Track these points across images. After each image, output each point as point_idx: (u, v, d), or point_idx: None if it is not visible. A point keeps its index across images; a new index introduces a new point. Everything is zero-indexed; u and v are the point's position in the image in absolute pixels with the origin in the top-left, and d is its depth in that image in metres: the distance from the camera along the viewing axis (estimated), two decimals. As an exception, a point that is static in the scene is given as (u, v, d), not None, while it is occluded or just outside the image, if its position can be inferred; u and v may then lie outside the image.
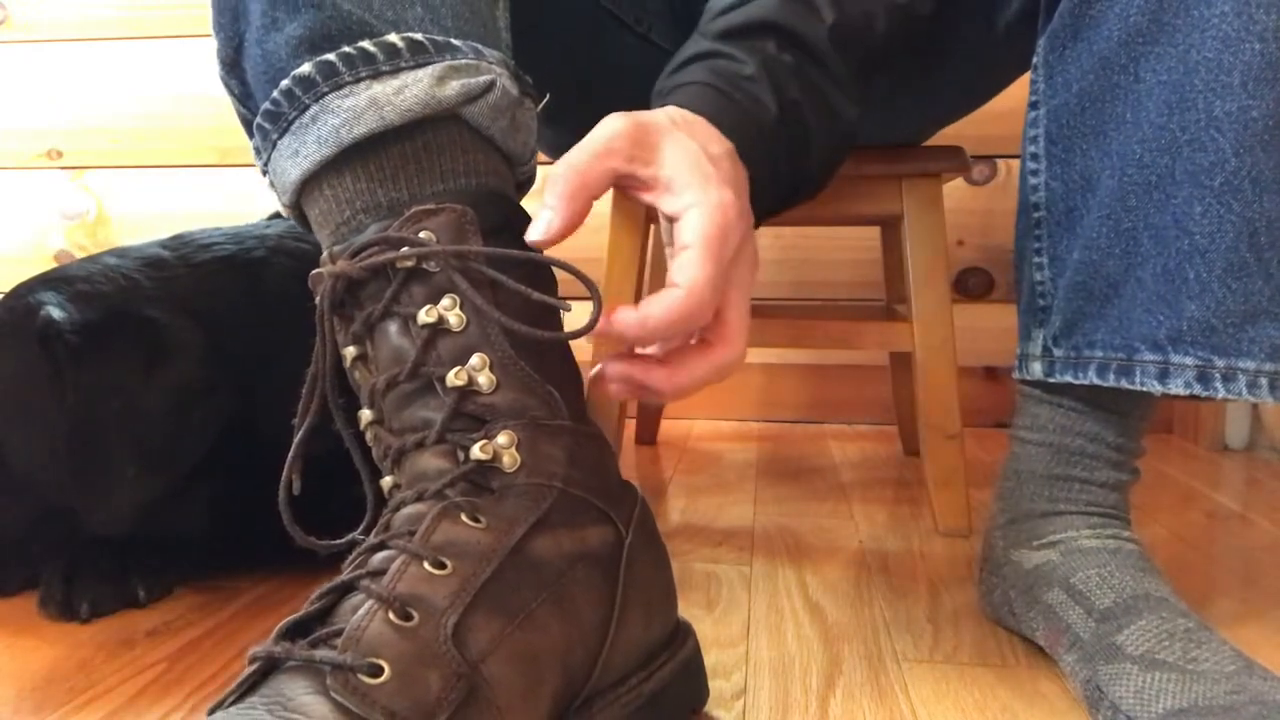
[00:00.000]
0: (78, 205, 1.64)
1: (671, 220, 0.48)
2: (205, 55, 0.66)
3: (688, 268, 0.45)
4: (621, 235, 0.97)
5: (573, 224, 0.46)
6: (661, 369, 0.47)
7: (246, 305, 0.76)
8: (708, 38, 0.58)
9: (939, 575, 0.80)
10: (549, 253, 0.49)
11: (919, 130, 0.95)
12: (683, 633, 0.54)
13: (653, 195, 0.48)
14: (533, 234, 0.46)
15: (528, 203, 0.51)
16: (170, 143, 1.61)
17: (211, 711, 0.39)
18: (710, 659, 0.59)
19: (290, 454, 0.47)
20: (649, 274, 1.20)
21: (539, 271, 0.48)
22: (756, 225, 0.58)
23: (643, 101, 0.55)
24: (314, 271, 0.48)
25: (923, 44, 0.71)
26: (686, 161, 0.47)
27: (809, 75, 0.57)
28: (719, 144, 0.51)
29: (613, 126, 0.47)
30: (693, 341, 0.49)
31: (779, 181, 0.57)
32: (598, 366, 0.48)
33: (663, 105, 0.54)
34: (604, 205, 1.03)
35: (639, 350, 0.49)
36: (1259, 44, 0.50)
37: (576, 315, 0.44)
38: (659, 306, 0.44)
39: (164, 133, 1.61)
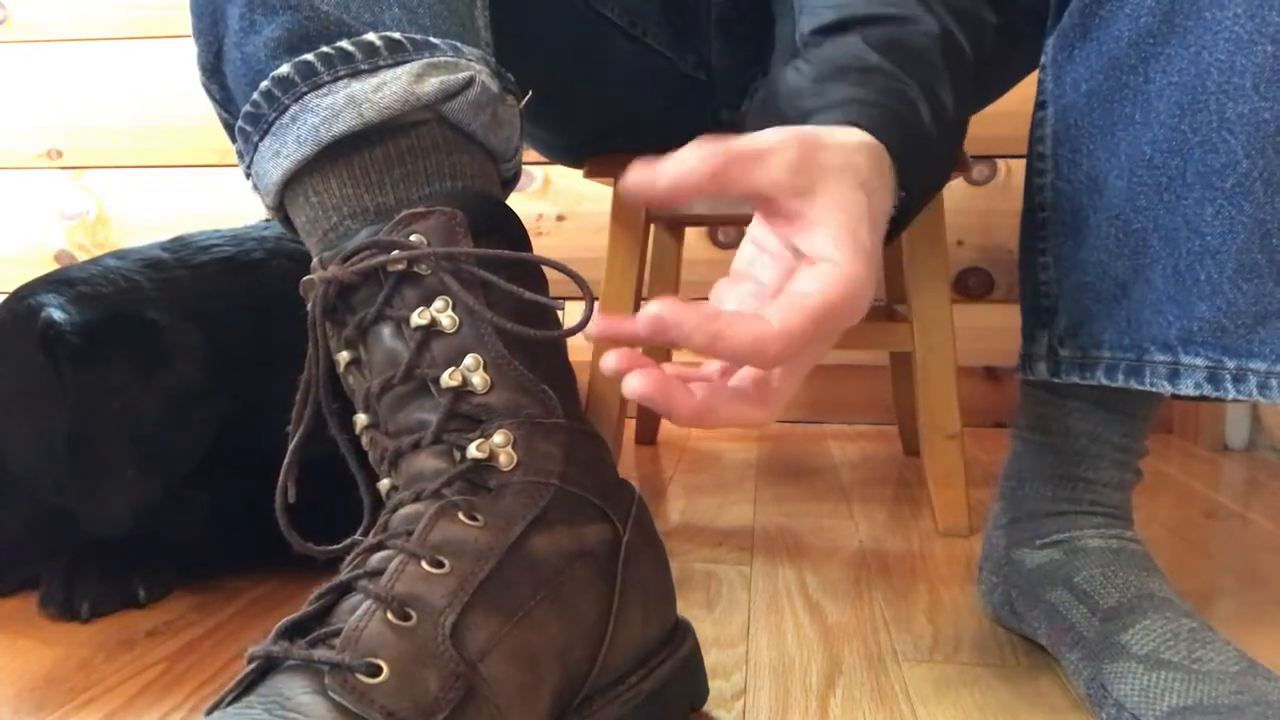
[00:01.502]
0: (78, 205, 1.64)
1: (801, 259, 0.42)
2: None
3: (794, 314, 0.39)
4: (621, 236, 0.97)
5: (679, 195, 0.39)
6: (689, 400, 0.40)
7: (246, 307, 0.76)
8: (871, 46, 0.53)
9: (939, 575, 0.80)
10: (541, 254, 0.49)
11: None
12: (681, 631, 0.54)
13: (787, 228, 0.43)
14: (634, 176, 0.40)
15: (526, 202, 0.50)
16: (170, 143, 1.61)
17: (210, 711, 0.39)
18: (710, 659, 0.59)
19: (285, 461, 0.47)
20: (649, 275, 1.20)
21: (530, 272, 0.48)
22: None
23: (638, 102, 0.54)
24: (305, 278, 0.48)
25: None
26: (846, 218, 0.42)
27: (958, 113, 0.54)
28: (887, 202, 0.46)
29: (780, 138, 0.41)
30: (728, 380, 0.44)
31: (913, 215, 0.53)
32: (609, 361, 0.41)
33: (830, 114, 0.48)
34: (604, 205, 1.03)
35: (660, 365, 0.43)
36: (1271, 46, 0.49)
37: (569, 315, 0.44)
38: (743, 331, 0.39)
39: (164, 133, 1.61)
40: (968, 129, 0.61)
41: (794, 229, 0.42)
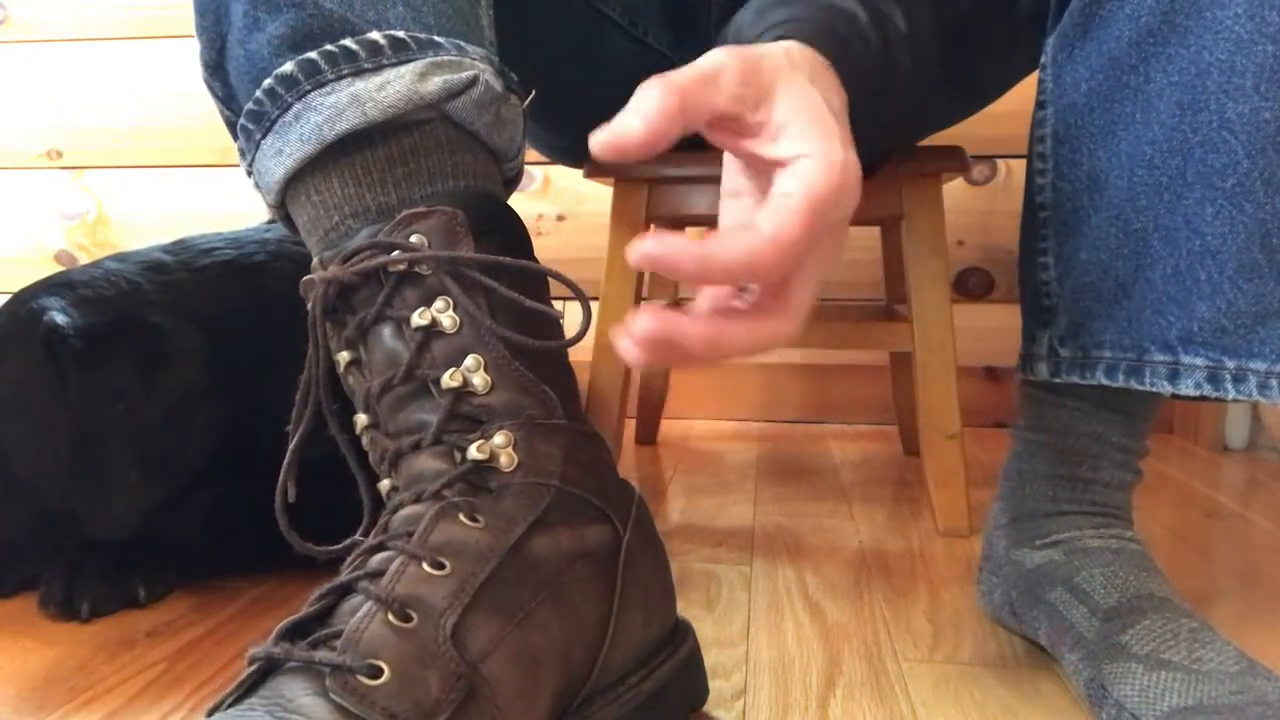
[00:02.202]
0: (78, 205, 1.64)
1: (775, 165, 0.41)
2: (205, 55, 0.66)
3: (781, 215, 0.38)
4: (621, 235, 0.97)
5: (653, 143, 0.38)
6: (701, 327, 0.38)
7: (247, 309, 0.76)
8: None
9: (939, 575, 0.80)
10: (543, 260, 0.49)
11: (922, 130, 0.95)
12: (682, 632, 0.54)
13: (756, 141, 0.41)
14: (604, 136, 0.38)
15: (526, 202, 0.50)
16: (170, 143, 1.61)
17: (211, 712, 0.39)
18: (710, 659, 0.59)
19: (285, 461, 0.47)
20: (649, 275, 1.20)
21: (531, 275, 0.48)
22: None
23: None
24: (305, 278, 0.48)
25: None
26: (806, 109, 0.41)
27: (912, 39, 0.53)
28: (839, 96, 0.45)
29: (719, 59, 0.41)
30: (738, 304, 0.42)
31: (864, 143, 0.54)
32: (625, 332, 0.39)
33: (765, 37, 0.48)
34: (604, 205, 1.03)
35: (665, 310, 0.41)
36: (1271, 46, 0.49)
37: (568, 315, 0.44)
38: (731, 246, 0.37)
39: (164, 133, 1.61)
40: (944, 60, 0.59)
41: (761, 141, 0.41)
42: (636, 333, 0.38)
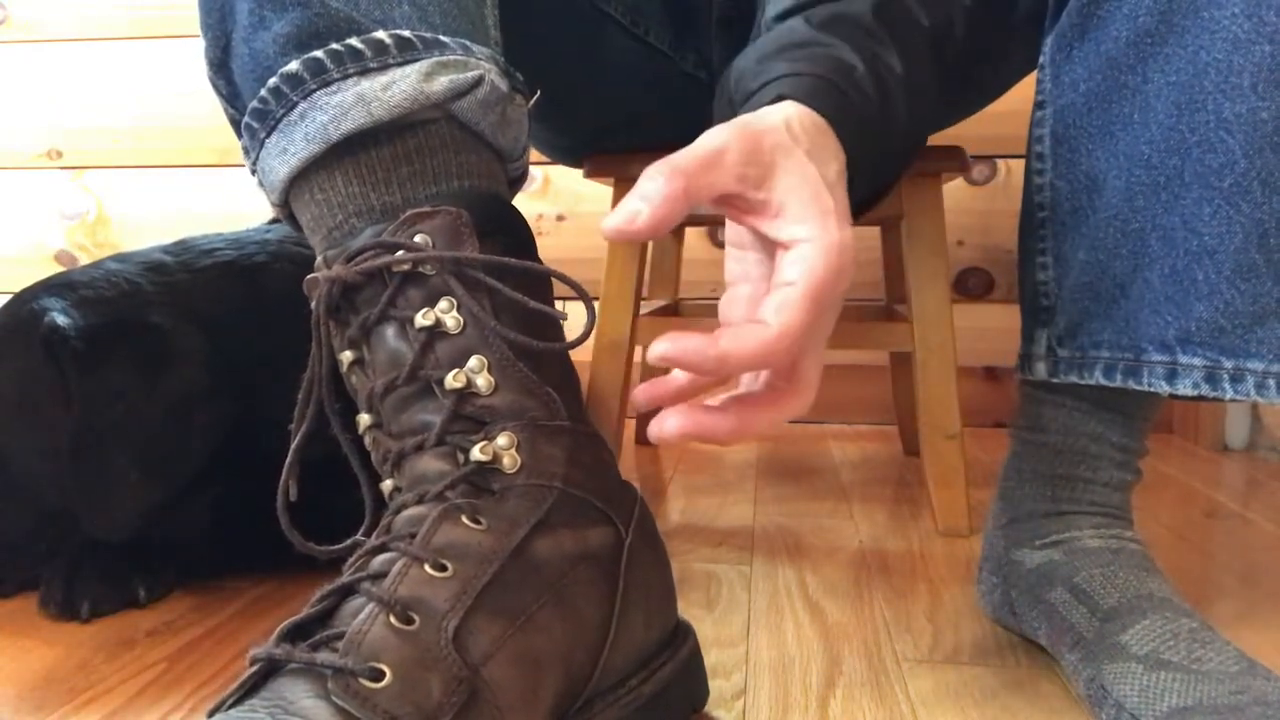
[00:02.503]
0: (78, 205, 1.64)
1: (778, 247, 0.43)
2: (205, 55, 0.66)
3: (787, 309, 0.40)
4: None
5: (660, 229, 0.40)
6: (726, 419, 0.42)
7: (248, 310, 0.76)
8: (813, 26, 0.53)
9: (939, 575, 0.80)
10: (543, 260, 0.49)
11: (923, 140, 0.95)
12: (682, 633, 0.54)
13: (758, 219, 0.43)
14: (614, 221, 0.40)
15: (526, 202, 0.50)
16: (170, 143, 1.61)
17: (212, 713, 0.39)
18: (710, 659, 0.59)
19: (287, 461, 0.47)
20: (649, 275, 1.20)
21: (534, 275, 0.48)
22: None
23: (639, 101, 0.54)
24: (309, 276, 0.48)
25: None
26: (806, 189, 0.42)
27: (910, 79, 0.54)
28: (837, 160, 0.46)
29: (722, 139, 0.42)
30: (756, 387, 0.45)
31: (870, 185, 0.54)
32: (653, 406, 0.43)
33: (766, 92, 0.49)
34: (604, 205, 1.03)
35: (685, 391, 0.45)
36: (1269, 46, 0.49)
37: (574, 320, 0.44)
38: (745, 342, 0.39)
39: (164, 133, 1.61)
40: (943, 98, 0.60)
41: (763, 219, 0.43)
42: (669, 433, 0.41)
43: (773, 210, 0.43)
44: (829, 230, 0.41)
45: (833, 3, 0.55)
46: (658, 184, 0.40)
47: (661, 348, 0.39)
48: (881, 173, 0.55)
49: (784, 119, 0.46)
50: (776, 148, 0.43)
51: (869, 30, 0.54)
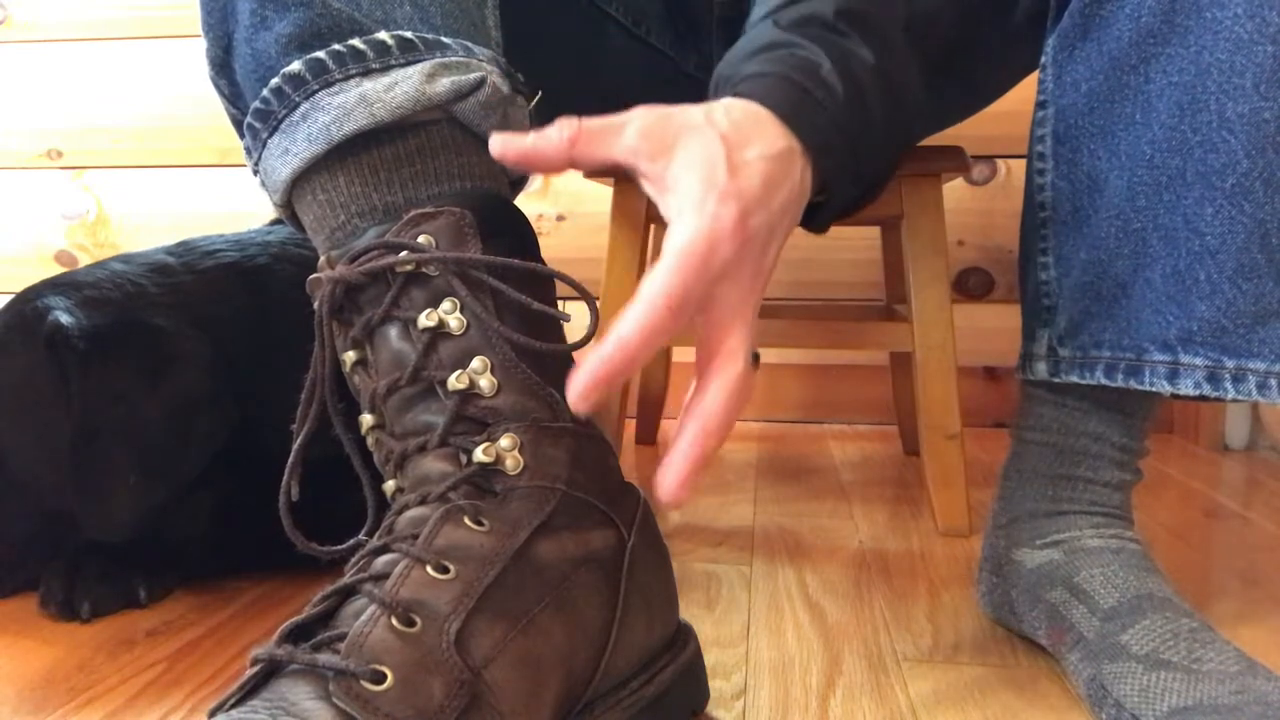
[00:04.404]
0: (78, 205, 1.64)
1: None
2: (205, 56, 0.66)
3: (651, 280, 0.41)
4: (621, 235, 0.97)
5: (531, 159, 0.44)
6: (685, 433, 0.42)
7: (250, 312, 0.76)
8: (781, 27, 0.54)
9: (939, 575, 0.80)
10: (547, 261, 0.49)
11: (920, 136, 0.95)
12: (683, 635, 0.54)
13: (658, 194, 0.45)
14: (502, 137, 0.45)
15: (526, 202, 0.50)
16: (170, 143, 1.61)
17: (213, 713, 0.39)
18: (710, 659, 0.59)
19: (289, 461, 0.47)
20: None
21: (537, 275, 0.48)
22: (829, 225, 0.56)
23: (640, 102, 0.54)
24: (312, 277, 0.48)
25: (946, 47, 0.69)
26: (699, 166, 0.43)
27: (885, 71, 0.54)
28: (771, 145, 0.46)
29: (633, 114, 0.45)
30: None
31: (856, 181, 0.54)
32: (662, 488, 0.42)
33: (726, 94, 0.50)
34: (604, 205, 1.03)
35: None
36: (1271, 46, 0.50)
37: (577, 321, 0.44)
38: (623, 320, 0.40)
39: (164, 133, 1.61)
40: (929, 88, 0.60)
41: (660, 194, 0.44)
42: (677, 495, 0.41)
43: (666, 185, 0.44)
44: (706, 205, 0.42)
45: (801, 3, 0.55)
46: (556, 128, 0.43)
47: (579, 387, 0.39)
48: (869, 167, 0.55)
49: (706, 108, 0.46)
50: (684, 127, 0.44)
51: (834, 27, 0.54)
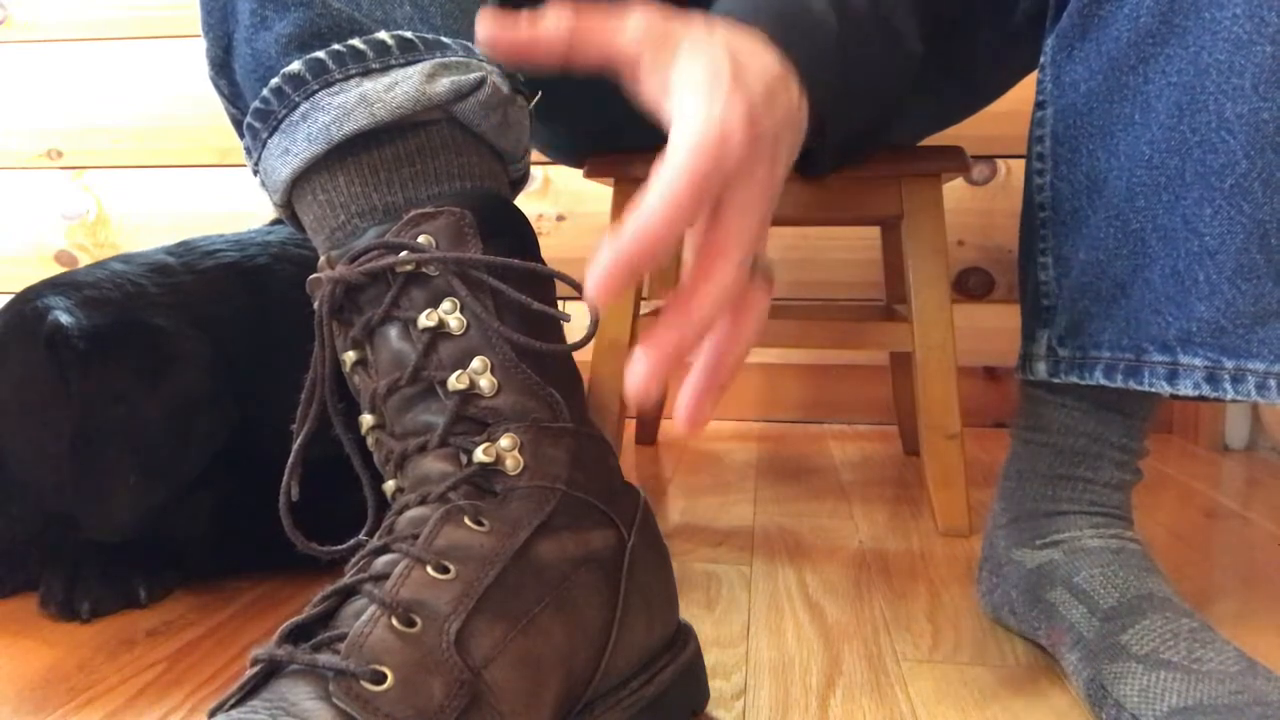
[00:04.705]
0: (78, 205, 1.64)
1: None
2: (205, 56, 0.66)
3: (666, 168, 0.37)
4: (622, 235, 0.96)
5: (532, 46, 0.39)
6: (714, 342, 0.40)
7: (250, 312, 0.76)
8: None
9: (939, 575, 0.80)
10: (547, 261, 0.49)
11: (923, 131, 0.95)
12: (683, 635, 0.54)
13: (657, 97, 0.41)
14: (490, 16, 0.39)
15: (526, 202, 0.50)
16: (170, 143, 1.61)
17: (213, 713, 0.39)
18: (710, 659, 0.59)
19: (290, 461, 0.47)
20: (649, 275, 1.20)
21: (537, 275, 0.48)
22: (829, 168, 0.54)
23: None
24: (312, 277, 0.48)
25: (941, 45, 0.69)
26: (704, 68, 0.40)
27: (882, 15, 0.53)
28: (769, 67, 0.43)
29: (635, 10, 0.40)
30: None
31: (849, 118, 0.52)
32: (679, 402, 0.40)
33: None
34: (604, 205, 1.03)
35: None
36: (1270, 46, 0.50)
37: (577, 321, 0.44)
38: (642, 206, 0.36)
39: (164, 133, 1.61)
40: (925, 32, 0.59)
41: (658, 98, 0.40)
42: (696, 416, 0.39)
43: (669, 87, 0.40)
44: (715, 100, 0.38)
45: None
46: (551, 18, 0.39)
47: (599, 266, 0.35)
48: (854, 111, 0.54)
49: (707, 19, 0.43)
50: (685, 27, 0.41)
51: None
